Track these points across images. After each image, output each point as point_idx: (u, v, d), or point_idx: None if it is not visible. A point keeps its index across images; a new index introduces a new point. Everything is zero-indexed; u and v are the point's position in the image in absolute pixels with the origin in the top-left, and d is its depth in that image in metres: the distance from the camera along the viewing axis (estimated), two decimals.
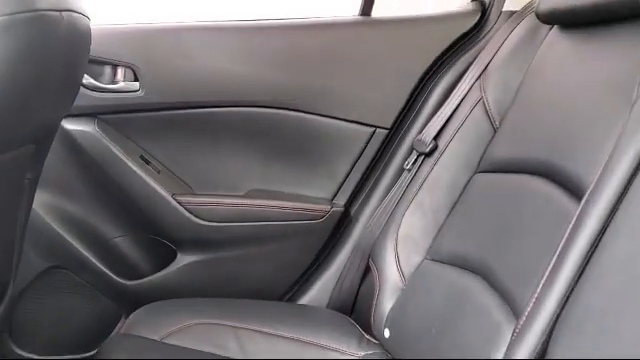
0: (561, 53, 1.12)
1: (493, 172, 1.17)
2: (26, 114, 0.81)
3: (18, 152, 0.89)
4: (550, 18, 1.15)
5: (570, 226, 0.81)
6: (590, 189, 0.82)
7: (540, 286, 0.81)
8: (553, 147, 1.00)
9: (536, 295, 0.81)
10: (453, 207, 1.24)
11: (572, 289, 0.77)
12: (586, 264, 0.77)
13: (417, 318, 1.15)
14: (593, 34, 1.05)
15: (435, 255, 1.22)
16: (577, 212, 0.82)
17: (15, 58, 0.70)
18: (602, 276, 0.73)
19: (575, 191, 0.89)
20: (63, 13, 0.79)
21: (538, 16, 1.18)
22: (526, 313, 0.81)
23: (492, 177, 1.17)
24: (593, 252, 0.77)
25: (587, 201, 0.81)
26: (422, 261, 1.24)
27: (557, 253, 0.81)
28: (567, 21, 1.12)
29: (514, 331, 0.82)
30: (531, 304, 0.81)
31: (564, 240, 0.81)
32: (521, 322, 0.81)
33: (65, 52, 0.86)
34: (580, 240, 0.79)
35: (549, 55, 1.16)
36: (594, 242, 0.78)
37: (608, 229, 0.76)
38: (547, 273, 0.81)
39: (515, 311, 0.88)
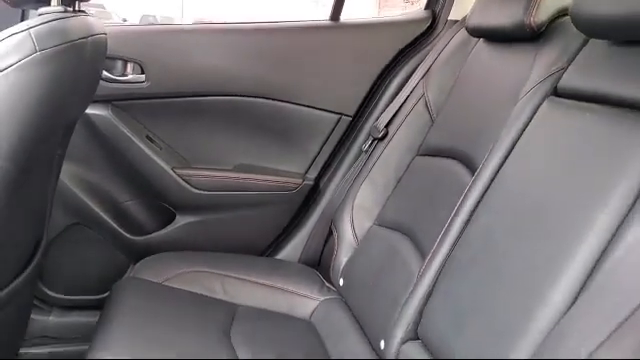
0: (482, 63, 1.37)
1: (428, 155, 1.43)
2: (63, 113, 1.07)
3: (54, 137, 1.15)
4: (476, 32, 1.39)
5: (462, 196, 1.08)
6: (479, 167, 1.09)
7: (437, 240, 1.09)
8: (464, 137, 1.26)
9: (434, 246, 1.09)
10: (398, 183, 1.51)
11: (455, 244, 1.05)
12: (466, 226, 1.04)
13: (363, 270, 1.42)
14: (503, 49, 1.30)
15: (381, 221, 1.48)
16: (469, 185, 1.09)
17: (57, 78, 0.95)
18: (469, 236, 1.01)
19: (473, 170, 1.15)
20: (89, 38, 1.04)
21: (467, 29, 1.42)
22: (427, 258, 1.09)
23: (426, 159, 1.43)
24: (470, 217, 1.05)
25: (476, 176, 1.08)
26: (371, 226, 1.50)
27: (451, 215, 1.08)
28: (487, 36, 1.36)
29: (419, 272, 1.10)
30: (430, 252, 1.09)
31: (456, 206, 1.08)
32: (424, 265, 1.09)
33: (90, 65, 1.12)
34: (466, 207, 1.06)
35: (474, 63, 1.40)
36: (473, 209, 1.05)
37: (481, 201, 1.04)
38: (442, 231, 1.09)
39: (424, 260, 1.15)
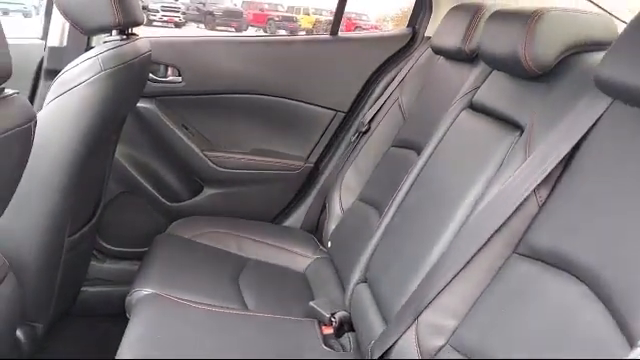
0: (438, 75, 1.69)
1: (398, 147, 1.76)
2: (119, 111, 1.46)
3: (112, 127, 1.54)
4: (436, 51, 1.71)
5: (406, 176, 1.43)
6: (419, 156, 1.43)
7: (387, 209, 1.44)
8: (420, 133, 1.59)
9: (384, 213, 1.44)
10: (375, 168, 1.85)
11: (397, 211, 1.39)
12: (405, 198, 1.39)
13: (344, 235, 1.77)
14: (452, 66, 1.62)
15: (361, 198, 1.82)
16: (411, 168, 1.43)
17: (116, 88, 1.33)
18: (404, 205, 1.36)
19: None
20: (137, 58, 1.42)
21: (431, 47, 1.73)
22: (379, 221, 1.44)
23: (397, 150, 1.76)
24: (408, 192, 1.39)
25: (416, 163, 1.42)
26: (354, 201, 1.85)
27: (396, 190, 1.43)
28: (442, 54, 1.68)
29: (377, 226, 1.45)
30: (381, 217, 1.44)
31: (401, 183, 1.43)
32: (376, 227, 1.44)
33: (139, 76, 1.50)
34: (407, 185, 1.40)
35: (434, 75, 1.72)
36: (411, 186, 1.39)
37: (415, 181, 1.38)
38: (391, 202, 1.44)
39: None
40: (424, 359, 1.04)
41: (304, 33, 11.18)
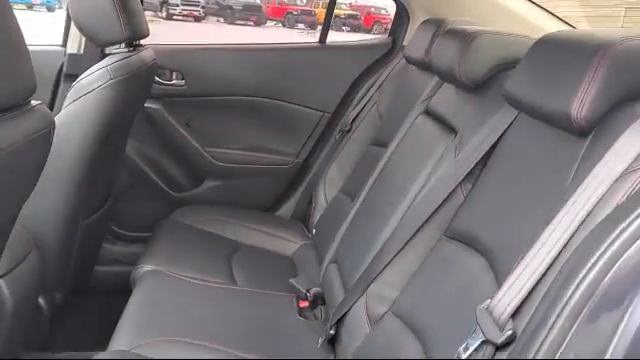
0: (408, 82, 1.88)
1: (373, 145, 1.95)
2: (127, 113, 1.67)
3: (122, 126, 1.76)
4: (408, 60, 1.89)
5: (375, 169, 1.62)
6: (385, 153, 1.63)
7: (359, 197, 1.64)
8: (389, 131, 1.77)
9: (357, 200, 1.64)
10: (355, 165, 2.03)
11: (365, 196, 1.59)
12: (372, 186, 1.58)
13: (325, 223, 1.97)
14: (419, 74, 1.80)
15: (342, 191, 2.02)
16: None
17: (124, 94, 1.53)
18: (371, 192, 1.55)
19: None
20: (142, 67, 1.63)
21: (404, 57, 1.92)
22: (352, 206, 1.64)
23: (372, 148, 1.95)
24: (374, 183, 1.59)
25: (383, 157, 1.62)
26: (336, 194, 2.04)
27: (365, 184, 1.63)
28: (411, 63, 1.86)
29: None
30: (354, 204, 1.64)
31: (371, 176, 1.62)
32: (349, 211, 1.64)
33: (145, 82, 1.71)
34: (373, 177, 1.60)
35: (406, 81, 1.91)
36: (376, 179, 1.59)
37: (381, 173, 1.57)
38: (363, 192, 1.63)
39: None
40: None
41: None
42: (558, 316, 0.63)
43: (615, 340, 0.60)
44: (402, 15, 2.19)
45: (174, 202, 2.23)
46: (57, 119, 1.49)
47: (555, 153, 0.91)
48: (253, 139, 2.28)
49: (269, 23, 11.05)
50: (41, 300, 1.56)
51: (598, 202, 0.72)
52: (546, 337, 0.63)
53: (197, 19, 13.45)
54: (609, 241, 0.62)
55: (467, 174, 1.15)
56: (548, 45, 1.00)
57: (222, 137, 2.26)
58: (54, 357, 1.44)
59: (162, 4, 13.59)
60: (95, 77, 1.50)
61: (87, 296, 1.99)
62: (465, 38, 1.28)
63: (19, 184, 1.00)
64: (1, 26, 0.86)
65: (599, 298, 0.62)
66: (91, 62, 1.63)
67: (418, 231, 1.21)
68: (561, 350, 0.63)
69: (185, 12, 13.33)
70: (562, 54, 0.93)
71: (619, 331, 0.60)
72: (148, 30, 1.75)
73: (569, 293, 0.62)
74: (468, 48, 1.26)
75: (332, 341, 1.38)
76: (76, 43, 2.00)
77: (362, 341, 1.24)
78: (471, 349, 0.76)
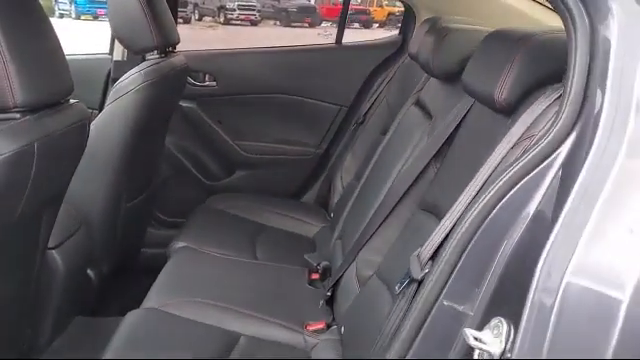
0: (412, 76, 2.03)
1: (381, 134, 2.12)
2: (162, 111, 1.91)
3: (159, 123, 2.00)
4: (411, 57, 2.04)
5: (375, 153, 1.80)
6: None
7: (360, 179, 1.82)
8: (390, 121, 1.93)
9: (359, 183, 1.82)
10: (367, 153, 2.21)
11: (366, 179, 1.77)
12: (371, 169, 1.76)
13: (340, 206, 2.14)
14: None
15: (355, 176, 2.20)
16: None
17: (156, 96, 1.76)
18: (369, 174, 1.73)
19: None
20: (172, 70, 1.86)
21: (408, 54, 2.08)
22: (356, 189, 1.83)
23: (380, 137, 2.11)
24: (374, 165, 1.76)
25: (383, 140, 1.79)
26: (350, 181, 2.22)
27: (368, 167, 1.80)
28: (414, 60, 2.01)
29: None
30: (357, 187, 1.82)
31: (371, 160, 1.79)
32: (352, 193, 1.83)
33: (176, 84, 1.95)
34: (373, 160, 1.77)
35: (410, 76, 2.06)
36: (376, 161, 1.76)
37: (380, 154, 1.75)
38: (364, 175, 1.81)
39: None
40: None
41: (377, 25, 11.26)
42: (454, 248, 0.80)
43: (494, 263, 0.77)
44: (409, 15, 2.35)
45: (209, 190, 2.47)
46: (100, 116, 1.75)
47: (490, 130, 1.07)
48: (278, 132, 2.50)
49: (324, 24, 11.06)
50: (90, 271, 1.82)
51: (499, 164, 0.88)
52: (444, 267, 0.80)
53: (253, 23, 13.76)
54: (494, 188, 0.79)
55: (435, 154, 1.32)
56: (494, 38, 1.15)
57: (250, 131, 2.49)
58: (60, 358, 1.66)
59: (220, 9, 14.04)
60: (131, 80, 1.74)
61: (134, 273, 2.26)
62: (440, 34, 1.44)
63: (63, 164, 1.24)
64: (43, 39, 1.10)
65: (481, 232, 0.79)
66: (132, 67, 1.88)
67: (398, 204, 1.39)
68: (453, 276, 0.80)
69: (242, 16, 13.68)
70: (498, 46, 1.09)
71: (497, 256, 0.77)
72: (178, 38, 1.99)
73: (459, 229, 0.80)
74: (441, 43, 1.42)
75: (331, 303, 1.57)
76: (120, 51, 2.27)
77: (352, 300, 1.43)
78: (403, 285, 0.93)
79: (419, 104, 1.66)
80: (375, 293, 1.32)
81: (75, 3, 13.76)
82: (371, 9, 13.32)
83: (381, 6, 12.07)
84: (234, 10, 14.01)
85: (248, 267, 1.83)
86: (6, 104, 0.99)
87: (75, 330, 1.77)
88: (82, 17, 13.34)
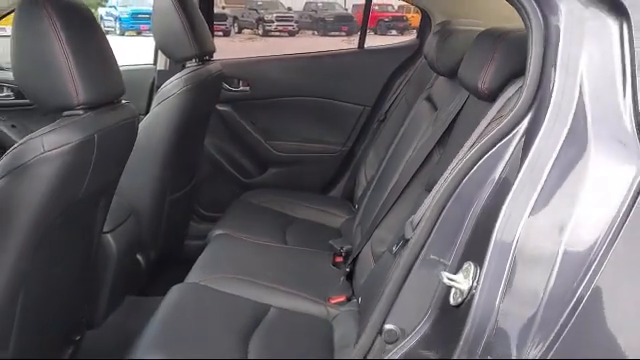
0: (427, 75, 2.19)
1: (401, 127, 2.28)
2: (200, 114, 2.12)
3: (198, 123, 2.21)
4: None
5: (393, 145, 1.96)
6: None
7: (377, 170, 1.99)
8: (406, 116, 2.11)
9: (377, 173, 1.99)
10: (387, 148, 2.37)
11: (383, 170, 1.94)
12: (388, 161, 1.93)
13: (364, 198, 2.31)
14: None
15: (377, 169, 2.36)
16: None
17: (195, 99, 1.97)
18: (386, 165, 1.90)
19: None
20: (208, 77, 2.07)
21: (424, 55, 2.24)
22: (374, 179, 1.99)
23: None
24: (391, 156, 1.93)
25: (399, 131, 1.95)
26: (373, 174, 2.38)
27: (386, 155, 1.97)
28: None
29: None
30: (374, 178, 1.99)
31: (388, 151, 1.96)
32: (370, 183, 2.00)
33: (213, 89, 2.16)
34: (392, 149, 1.94)
35: (426, 75, 2.22)
36: (391, 154, 1.93)
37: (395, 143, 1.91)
38: (381, 166, 1.98)
39: None
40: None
41: (415, 31, 11.37)
42: (433, 208, 0.96)
43: (467, 220, 0.93)
44: (425, 19, 2.51)
45: (244, 186, 2.67)
46: (147, 118, 1.97)
47: (478, 116, 1.22)
48: (306, 132, 2.69)
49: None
50: (139, 256, 2.04)
51: (475, 141, 1.04)
52: (425, 224, 0.97)
53: (291, 34, 13.95)
54: (466, 158, 0.95)
55: (438, 140, 1.48)
56: (481, 37, 1.31)
57: (281, 132, 2.69)
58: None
59: (258, 22, 14.34)
60: (172, 86, 1.96)
61: (178, 261, 2.47)
62: (443, 36, 1.60)
63: (117, 154, 1.45)
64: (99, 48, 1.31)
65: (456, 195, 0.95)
66: (174, 75, 2.10)
67: (407, 186, 1.55)
68: (433, 233, 0.96)
69: (280, 28, 13.91)
70: (483, 44, 1.25)
71: (469, 214, 0.93)
72: (214, 47, 2.21)
73: (438, 193, 0.96)
74: (444, 44, 1.58)
75: (350, 279, 1.74)
76: (163, 62, 2.50)
77: (367, 275, 1.59)
78: (398, 246, 1.10)
79: (429, 99, 1.82)
80: (385, 266, 1.48)
81: (120, 20, 14.43)
82: (408, 15, 13.32)
83: (418, 12, 12.05)
84: (272, 22, 14.26)
85: (278, 250, 2.02)
86: (72, 103, 1.20)
87: (126, 307, 1.99)
88: (126, 33, 13.98)
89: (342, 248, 2.00)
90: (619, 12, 0.85)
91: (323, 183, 2.71)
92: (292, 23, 14.45)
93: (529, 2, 0.91)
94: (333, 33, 13.22)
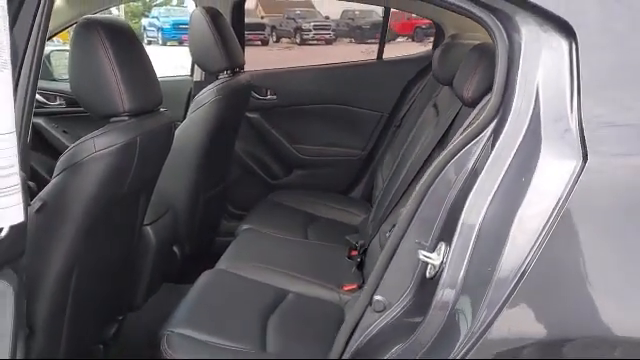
0: (436, 84, 2.34)
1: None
2: (231, 121, 2.32)
3: (228, 130, 2.42)
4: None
5: (405, 143, 2.13)
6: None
7: (391, 169, 2.16)
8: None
9: (390, 171, 2.16)
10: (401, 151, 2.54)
11: (398, 166, 2.11)
12: (399, 158, 2.10)
13: (378, 198, 2.48)
14: None
15: (391, 170, 2.52)
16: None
17: (225, 108, 2.16)
18: (399, 161, 2.07)
19: None
20: (239, 87, 2.27)
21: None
22: (389, 173, 2.16)
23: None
24: (404, 153, 2.09)
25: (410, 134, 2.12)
26: (388, 175, 2.55)
27: (399, 155, 2.14)
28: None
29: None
30: (389, 173, 2.16)
31: (400, 150, 2.14)
32: (386, 177, 2.17)
33: (243, 99, 2.36)
34: (402, 151, 2.11)
35: (435, 85, 2.37)
36: (403, 152, 2.09)
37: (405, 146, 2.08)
38: (395, 164, 2.15)
39: None
40: None
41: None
42: (415, 196, 1.13)
43: (443, 206, 1.10)
44: (439, 31, 2.67)
45: (271, 187, 2.87)
46: (183, 124, 2.18)
47: (464, 120, 1.38)
48: (329, 137, 2.88)
49: (399, 39, 11.08)
50: (175, 248, 2.25)
51: (455, 141, 1.20)
52: (409, 209, 1.14)
53: (328, 42, 14.05)
54: (444, 153, 1.12)
55: (438, 142, 1.64)
56: (472, 51, 1.47)
57: (305, 136, 2.89)
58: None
59: (296, 31, 14.52)
60: (206, 95, 2.16)
61: (209, 255, 2.67)
62: (445, 49, 1.77)
63: (156, 154, 1.66)
64: (141, 62, 1.51)
65: (435, 184, 1.11)
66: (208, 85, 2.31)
67: (410, 184, 1.71)
68: (414, 219, 1.13)
69: (317, 36, 14.02)
70: (471, 57, 1.41)
71: (445, 202, 1.10)
72: (244, 60, 2.41)
73: (420, 183, 1.13)
74: (445, 56, 1.75)
75: (361, 268, 1.91)
76: (199, 73, 2.73)
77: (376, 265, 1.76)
78: (390, 231, 1.27)
79: (434, 106, 1.99)
80: None
81: (162, 31, 14.89)
82: None
83: None
84: (310, 30, 14.37)
85: (299, 244, 2.20)
86: (118, 110, 1.41)
87: (163, 292, 2.20)
88: (168, 43, 14.41)
89: (357, 242, 2.17)
90: (568, 32, 1.00)
91: (344, 184, 2.88)
92: (329, 31, 14.52)
93: (494, 23, 1.08)
94: (370, 40, 13.25)
